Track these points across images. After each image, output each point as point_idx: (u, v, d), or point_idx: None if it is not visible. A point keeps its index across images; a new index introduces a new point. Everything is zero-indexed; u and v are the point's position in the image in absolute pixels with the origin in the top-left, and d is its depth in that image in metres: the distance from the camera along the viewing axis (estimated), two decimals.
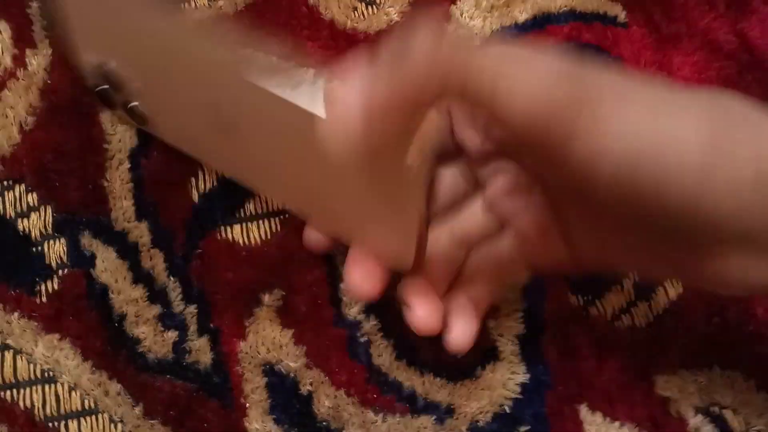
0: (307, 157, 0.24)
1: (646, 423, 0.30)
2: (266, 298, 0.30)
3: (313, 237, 0.28)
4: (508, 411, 0.30)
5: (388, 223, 0.25)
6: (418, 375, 0.30)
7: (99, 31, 0.28)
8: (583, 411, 0.30)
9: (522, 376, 0.30)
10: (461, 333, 0.26)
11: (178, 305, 0.30)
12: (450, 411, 0.30)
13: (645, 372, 0.30)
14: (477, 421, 0.30)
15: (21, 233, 0.30)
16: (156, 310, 0.30)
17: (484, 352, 0.30)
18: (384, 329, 0.30)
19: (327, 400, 0.29)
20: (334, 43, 0.34)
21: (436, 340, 0.30)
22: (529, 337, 0.31)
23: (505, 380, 0.30)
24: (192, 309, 0.30)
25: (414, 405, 0.30)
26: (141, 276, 0.30)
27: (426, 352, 0.30)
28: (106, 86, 0.29)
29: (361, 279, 0.26)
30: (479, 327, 0.27)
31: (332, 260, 0.31)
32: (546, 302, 0.31)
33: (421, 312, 0.26)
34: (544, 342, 0.30)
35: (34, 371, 0.29)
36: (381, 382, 0.30)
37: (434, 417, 0.30)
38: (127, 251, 0.30)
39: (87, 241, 0.30)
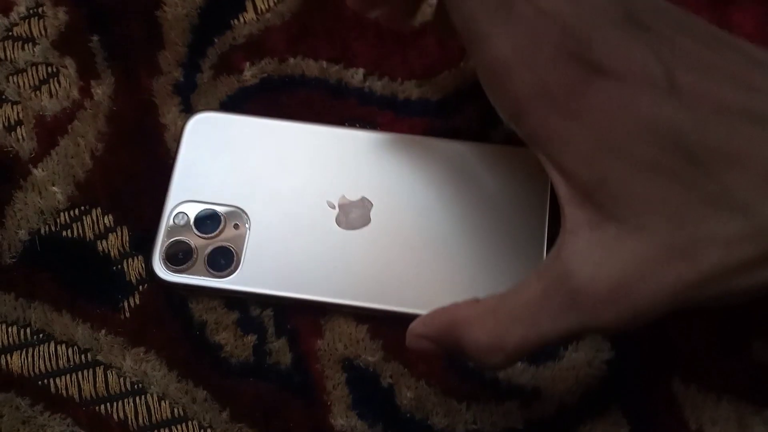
0: None
1: (744, 393, 0.28)
2: None
3: None
4: (596, 390, 0.29)
5: None
6: None
7: (208, 173, 0.31)
8: (676, 384, 0.29)
9: (608, 353, 0.29)
10: None
11: (254, 309, 0.30)
12: (536, 394, 0.29)
13: (740, 338, 0.29)
14: (565, 403, 0.29)
15: (101, 254, 0.32)
16: (234, 315, 0.30)
17: None
18: None
19: (409, 392, 0.29)
20: (381, 41, 0.34)
21: None
22: None
23: (591, 359, 0.29)
24: (268, 312, 0.30)
25: (497, 390, 0.29)
26: None
27: None
28: (184, 238, 0.30)
29: None
30: None
31: None
32: None
33: None
34: None
35: (125, 384, 0.30)
36: (461, 370, 0.29)
37: (519, 401, 0.29)
38: None
39: None
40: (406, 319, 0.28)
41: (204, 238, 0.30)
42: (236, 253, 0.29)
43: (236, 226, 0.30)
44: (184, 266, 0.29)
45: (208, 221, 0.30)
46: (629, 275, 0.18)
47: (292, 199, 0.30)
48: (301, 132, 0.31)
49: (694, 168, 0.18)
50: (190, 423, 0.29)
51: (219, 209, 0.30)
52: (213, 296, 0.30)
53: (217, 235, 0.30)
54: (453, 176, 0.30)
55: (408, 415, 0.29)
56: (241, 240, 0.30)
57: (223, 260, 0.29)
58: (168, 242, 0.30)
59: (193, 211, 0.30)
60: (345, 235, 0.30)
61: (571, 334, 0.19)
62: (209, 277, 0.29)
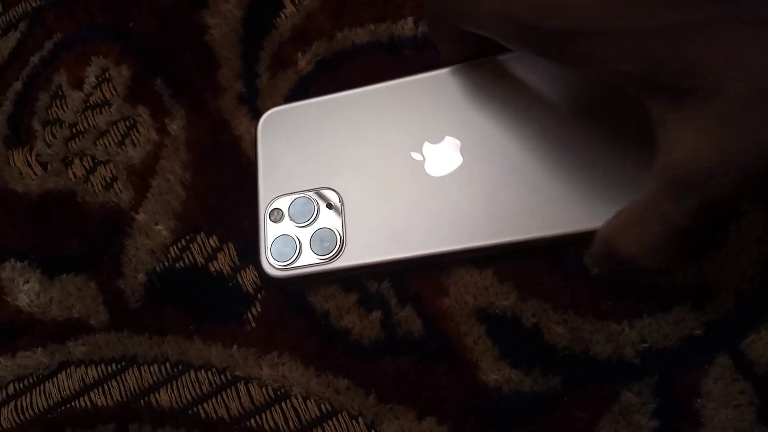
0: None
1: None
2: None
3: None
4: None
5: None
6: None
7: (290, 163, 0.30)
8: None
9: None
10: None
11: (372, 285, 0.29)
12: (706, 291, 0.25)
13: None
14: (744, 291, 0.25)
15: (215, 274, 0.32)
16: (354, 296, 0.29)
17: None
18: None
19: (558, 327, 0.26)
20: None
21: None
22: None
23: (760, 234, 0.25)
24: (386, 284, 0.29)
25: (660, 298, 0.25)
26: None
27: None
28: (284, 233, 0.29)
29: None
30: None
31: None
32: None
33: None
34: None
35: (268, 393, 0.29)
36: (611, 288, 0.26)
37: (689, 305, 0.25)
38: None
39: None
40: (528, 246, 0.26)
41: (303, 227, 0.29)
42: (337, 231, 0.28)
43: (329, 206, 0.29)
44: (292, 259, 0.29)
45: (302, 209, 0.29)
46: (725, 139, 0.16)
47: (376, 163, 0.29)
48: (364, 96, 0.30)
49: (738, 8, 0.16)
50: (339, 416, 0.28)
51: (309, 194, 0.29)
52: (329, 281, 0.29)
53: (314, 220, 0.29)
54: (538, 88, 0.27)
55: (566, 351, 0.26)
56: (338, 218, 0.29)
57: (327, 242, 0.28)
58: (271, 241, 0.29)
59: (285, 204, 0.30)
60: (441, 180, 0.28)
61: (700, 216, 0.18)
62: (318, 262, 0.28)
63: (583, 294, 0.26)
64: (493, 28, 0.21)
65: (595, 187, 0.25)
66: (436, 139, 0.28)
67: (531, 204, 0.26)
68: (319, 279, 0.29)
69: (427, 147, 0.28)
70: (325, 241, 0.28)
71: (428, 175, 0.28)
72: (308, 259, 0.28)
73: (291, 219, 0.29)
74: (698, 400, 0.24)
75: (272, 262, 0.29)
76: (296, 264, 0.28)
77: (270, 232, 0.29)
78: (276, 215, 0.30)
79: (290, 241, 0.29)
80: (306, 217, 0.29)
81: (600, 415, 0.25)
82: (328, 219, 0.29)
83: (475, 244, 0.26)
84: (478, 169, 0.27)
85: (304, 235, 0.29)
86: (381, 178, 0.29)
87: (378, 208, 0.28)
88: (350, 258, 0.28)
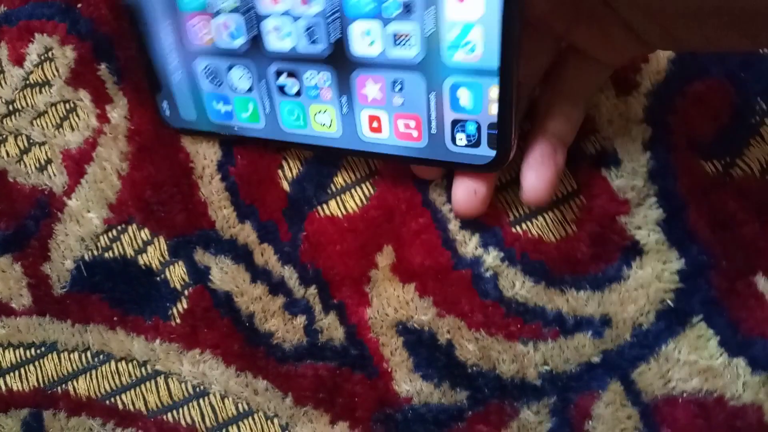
0: None
1: None
2: (379, 258, 0.29)
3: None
4: (672, 305, 0.26)
5: None
6: (559, 294, 0.28)
7: None
8: (761, 282, 0.26)
9: (676, 263, 0.27)
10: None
11: (298, 291, 0.30)
12: (606, 322, 0.27)
13: None
14: (640, 325, 0.27)
15: (144, 267, 0.32)
16: (280, 301, 0.30)
17: (624, 251, 0.27)
18: (507, 258, 0.28)
19: (470, 344, 0.28)
20: None
21: (568, 253, 0.28)
22: (672, 220, 0.27)
23: (658, 273, 0.27)
24: (312, 290, 0.30)
25: (564, 326, 0.27)
26: (257, 273, 0.30)
27: (560, 267, 0.28)
28: None
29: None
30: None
31: (433, 204, 0.29)
32: (678, 179, 0.28)
33: (532, 179, 0.24)
34: (690, 219, 0.27)
35: (187, 389, 0.30)
36: (521, 312, 0.28)
37: (590, 332, 0.27)
38: (239, 254, 0.31)
39: (200, 256, 0.31)
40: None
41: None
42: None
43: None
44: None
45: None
46: None
47: None
48: None
49: None
50: (255, 416, 0.29)
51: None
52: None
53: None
54: None
55: (475, 368, 0.28)
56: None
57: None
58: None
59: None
60: None
61: None
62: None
63: (496, 315, 0.28)
64: None
65: None
66: None
67: None
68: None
69: None
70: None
71: None
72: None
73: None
74: (590, 422, 0.26)
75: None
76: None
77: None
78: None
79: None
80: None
81: (500, 430, 0.27)
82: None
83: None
84: None
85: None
86: None
87: None
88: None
